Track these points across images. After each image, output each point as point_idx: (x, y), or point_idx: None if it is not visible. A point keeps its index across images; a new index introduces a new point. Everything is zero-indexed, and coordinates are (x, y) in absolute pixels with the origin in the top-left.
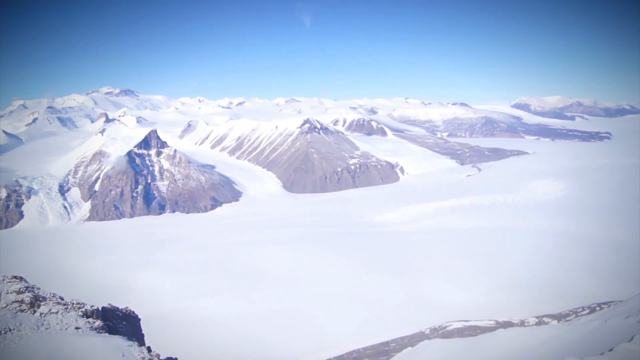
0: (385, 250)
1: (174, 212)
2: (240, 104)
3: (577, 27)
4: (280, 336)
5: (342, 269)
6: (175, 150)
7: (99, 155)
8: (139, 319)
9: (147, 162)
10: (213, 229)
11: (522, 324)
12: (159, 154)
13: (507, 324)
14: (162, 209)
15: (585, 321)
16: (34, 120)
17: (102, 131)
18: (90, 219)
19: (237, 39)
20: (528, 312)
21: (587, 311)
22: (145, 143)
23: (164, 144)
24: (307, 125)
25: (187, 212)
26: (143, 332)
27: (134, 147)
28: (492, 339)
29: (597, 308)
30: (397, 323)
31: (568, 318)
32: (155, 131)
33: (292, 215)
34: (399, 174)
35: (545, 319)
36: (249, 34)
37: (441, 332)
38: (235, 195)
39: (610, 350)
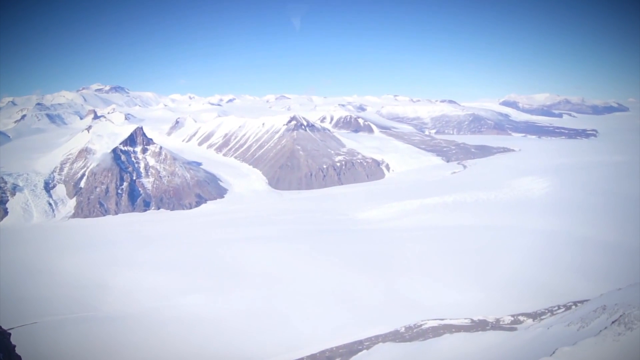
0: (365, 247)
1: (158, 209)
2: (230, 100)
3: (566, 25)
4: (253, 335)
5: (321, 266)
6: (160, 147)
7: (85, 152)
8: (9, 334)
9: (133, 159)
10: (196, 226)
11: (497, 322)
12: (144, 150)
13: (482, 323)
14: (146, 205)
15: (537, 325)
16: (23, 117)
17: (88, 128)
18: (74, 215)
19: (228, 36)
20: (504, 311)
21: (563, 309)
22: (130, 140)
23: (149, 141)
24: (293, 122)
25: (172, 209)
26: (14, 345)
27: (120, 144)
28: (439, 343)
29: (573, 306)
30: (373, 321)
31: (543, 317)
32: (141, 128)
33: (276, 213)
34: (385, 171)
35: (521, 318)
36: (240, 32)
37: (416, 331)
38: (220, 192)
39: None
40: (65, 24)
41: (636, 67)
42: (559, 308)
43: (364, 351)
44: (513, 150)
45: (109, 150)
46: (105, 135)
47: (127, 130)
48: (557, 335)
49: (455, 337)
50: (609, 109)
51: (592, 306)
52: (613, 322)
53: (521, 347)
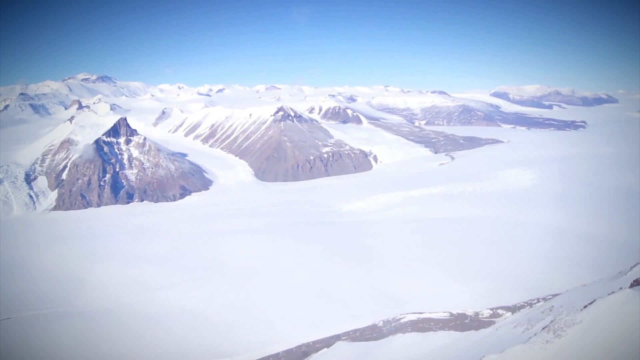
0: (348, 240)
1: (142, 201)
2: (220, 91)
3: (558, 16)
4: (230, 330)
5: (303, 259)
6: (144, 138)
7: (67, 143)
8: None
9: (116, 150)
10: (179, 219)
11: (476, 316)
12: (128, 142)
13: (461, 316)
14: (130, 198)
15: (503, 324)
16: (6, 107)
17: (71, 119)
18: (56, 208)
19: (219, 27)
20: (484, 304)
21: (542, 302)
22: (114, 131)
23: (133, 132)
24: (280, 113)
25: (156, 201)
26: None
27: (103, 135)
28: (391, 343)
29: (552, 299)
30: (353, 315)
31: (522, 310)
32: (125, 119)
33: (261, 205)
34: (372, 162)
35: (499, 311)
36: (231, 22)
37: (394, 325)
38: (205, 184)
39: None
40: (51, 12)
41: (626, 58)
42: (538, 301)
43: (325, 349)
44: (502, 141)
45: (92, 142)
46: (88, 126)
47: (110, 121)
48: (503, 337)
49: (406, 337)
50: (599, 101)
51: (544, 307)
52: (543, 328)
53: (466, 349)
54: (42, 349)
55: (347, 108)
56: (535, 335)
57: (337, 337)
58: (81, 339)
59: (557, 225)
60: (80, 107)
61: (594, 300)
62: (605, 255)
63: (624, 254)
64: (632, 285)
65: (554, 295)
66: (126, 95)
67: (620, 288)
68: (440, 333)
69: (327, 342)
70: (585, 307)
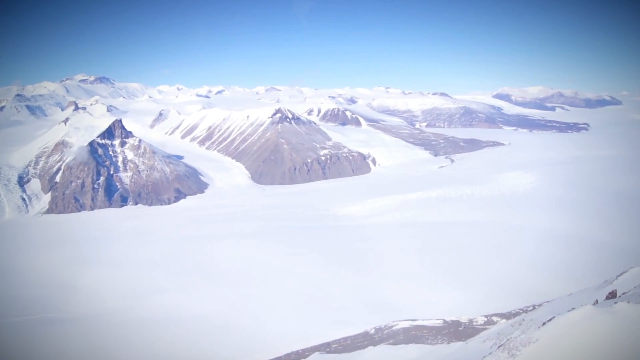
0: (344, 245)
1: (136, 204)
2: (219, 92)
3: (561, 17)
4: (220, 337)
5: (297, 264)
6: (140, 141)
7: (61, 145)
8: None
9: (110, 152)
10: (174, 223)
11: (470, 323)
12: (123, 144)
13: (455, 323)
14: (124, 201)
15: (479, 338)
16: (1, 108)
17: (66, 120)
18: (49, 211)
19: (219, 27)
20: (478, 311)
21: (538, 308)
22: (108, 133)
23: (128, 134)
24: (278, 115)
25: (150, 205)
26: None
27: (97, 137)
28: (363, 355)
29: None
30: (344, 322)
31: (516, 317)
32: (120, 120)
33: (257, 208)
34: (371, 165)
35: (494, 318)
36: (232, 23)
37: (386, 332)
38: (201, 187)
39: None
40: (49, 12)
41: (630, 60)
42: (534, 307)
43: None
44: (502, 144)
45: (86, 144)
46: (82, 127)
47: (105, 122)
48: (471, 352)
49: (377, 350)
50: (602, 102)
51: (515, 320)
52: (499, 347)
53: None
54: (26, 357)
55: (346, 110)
56: (490, 354)
57: (327, 345)
58: (70, 345)
59: (557, 229)
60: (77, 108)
61: (553, 317)
62: (606, 261)
63: (625, 259)
64: (607, 298)
65: (549, 302)
66: (124, 97)
67: (597, 301)
68: (411, 346)
69: (317, 350)
70: (543, 324)
